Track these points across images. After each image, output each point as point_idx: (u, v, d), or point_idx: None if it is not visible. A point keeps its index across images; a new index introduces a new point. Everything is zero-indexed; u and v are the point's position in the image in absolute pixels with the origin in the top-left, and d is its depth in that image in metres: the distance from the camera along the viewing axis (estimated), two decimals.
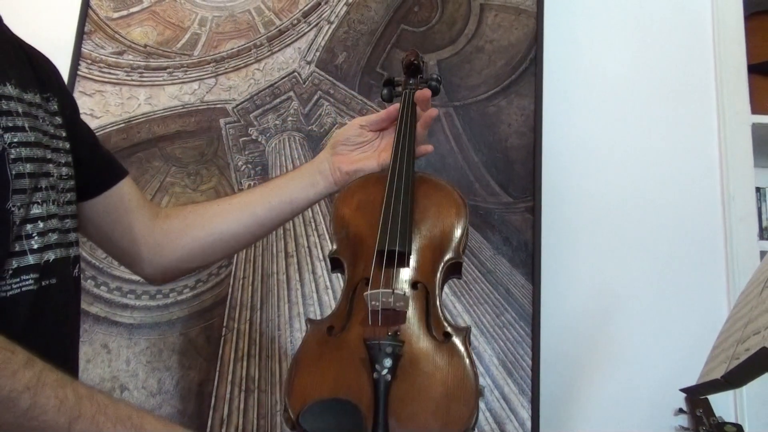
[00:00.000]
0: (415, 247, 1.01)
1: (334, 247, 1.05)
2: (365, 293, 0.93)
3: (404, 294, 0.93)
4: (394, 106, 1.20)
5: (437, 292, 0.98)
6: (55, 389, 0.71)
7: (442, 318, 0.95)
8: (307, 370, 0.89)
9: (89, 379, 1.66)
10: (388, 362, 0.84)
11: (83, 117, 1.13)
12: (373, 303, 0.92)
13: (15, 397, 0.68)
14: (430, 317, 0.94)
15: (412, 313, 0.94)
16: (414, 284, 0.97)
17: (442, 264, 1.01)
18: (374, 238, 1.00)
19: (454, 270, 1.04)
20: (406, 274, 0.98)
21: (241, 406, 1.64)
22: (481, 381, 1.63)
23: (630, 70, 1.93)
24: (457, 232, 1.05)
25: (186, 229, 1.17)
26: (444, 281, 1.03)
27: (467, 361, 0.88)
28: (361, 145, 1.20)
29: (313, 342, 0.93)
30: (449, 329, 0.93)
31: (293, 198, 1.18)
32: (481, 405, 1.62)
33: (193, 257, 1.18)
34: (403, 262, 0.98)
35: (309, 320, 0.97)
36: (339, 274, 1.06)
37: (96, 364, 1.68)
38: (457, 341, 0.91)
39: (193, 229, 1.17)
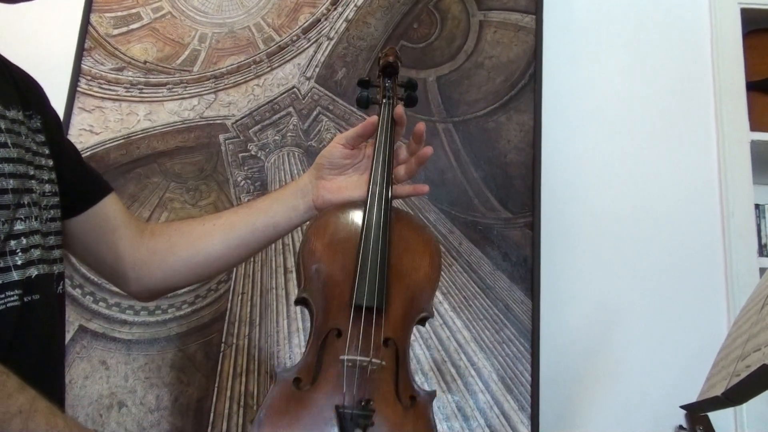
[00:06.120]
0: (389, 301, 0.99)
1: (304, 285, 1.02)
2: (342, 357, 0.93)
3: (381, 363, 0.94)
4: (371, 120, 1.13)
5: (407, 348, 0.99)
6: (47, 416, 0.71)
7: (410, 380, 0.97)
8: (272, 426, 0.88)
9: (87, 396, 1.65)
10: None
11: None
12: (349, 369, 0.93)
13: (8, 420, 0.68)
14: (399, 381, 0.96)
15: (383, 375, 0.95)
16: (385, 341, 0.97)
17: (414, 320, 1.02)
18: (347, 286, 0.99)
19: (422, 322, 1.04)
20: (379, 331, 0.97)
21: (240, 422, 1.63)
22: (481, 397, 1.63)
23: (629, 86, 1.93)
24: (431, 286, 1.05)
25: (172, 249, 1.16)
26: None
27: (431, 426, 0.94)
28: (345, 168, 1.17)
29: (279, 395, 0.92)
30: (414, 393, 0.96)
31: (276, 222, 1.17)
32: (481, 421, 1.61)
33: (179, 276, 1.18)
34: (378, 317, 0.97)
35: (275, 371, 0.95)
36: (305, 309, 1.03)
37: (94, 380, 1.67)
38: (421, 406, 0.95)
39: (178, 248, 1.16)
